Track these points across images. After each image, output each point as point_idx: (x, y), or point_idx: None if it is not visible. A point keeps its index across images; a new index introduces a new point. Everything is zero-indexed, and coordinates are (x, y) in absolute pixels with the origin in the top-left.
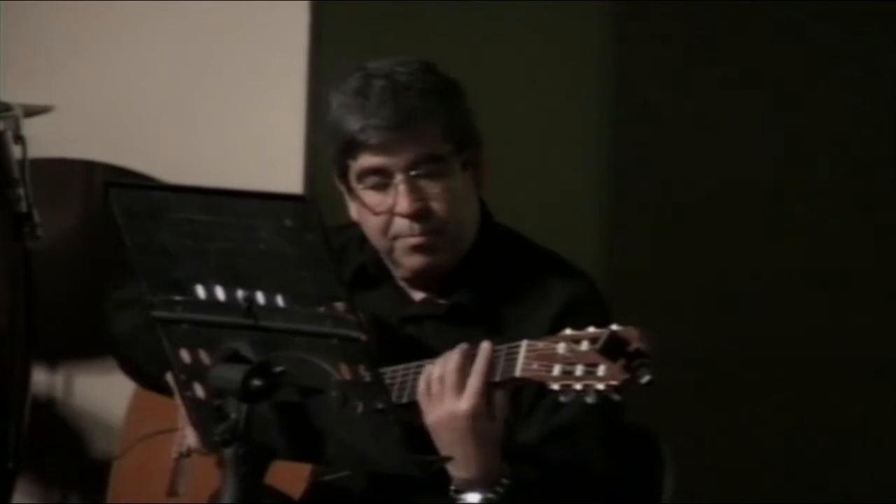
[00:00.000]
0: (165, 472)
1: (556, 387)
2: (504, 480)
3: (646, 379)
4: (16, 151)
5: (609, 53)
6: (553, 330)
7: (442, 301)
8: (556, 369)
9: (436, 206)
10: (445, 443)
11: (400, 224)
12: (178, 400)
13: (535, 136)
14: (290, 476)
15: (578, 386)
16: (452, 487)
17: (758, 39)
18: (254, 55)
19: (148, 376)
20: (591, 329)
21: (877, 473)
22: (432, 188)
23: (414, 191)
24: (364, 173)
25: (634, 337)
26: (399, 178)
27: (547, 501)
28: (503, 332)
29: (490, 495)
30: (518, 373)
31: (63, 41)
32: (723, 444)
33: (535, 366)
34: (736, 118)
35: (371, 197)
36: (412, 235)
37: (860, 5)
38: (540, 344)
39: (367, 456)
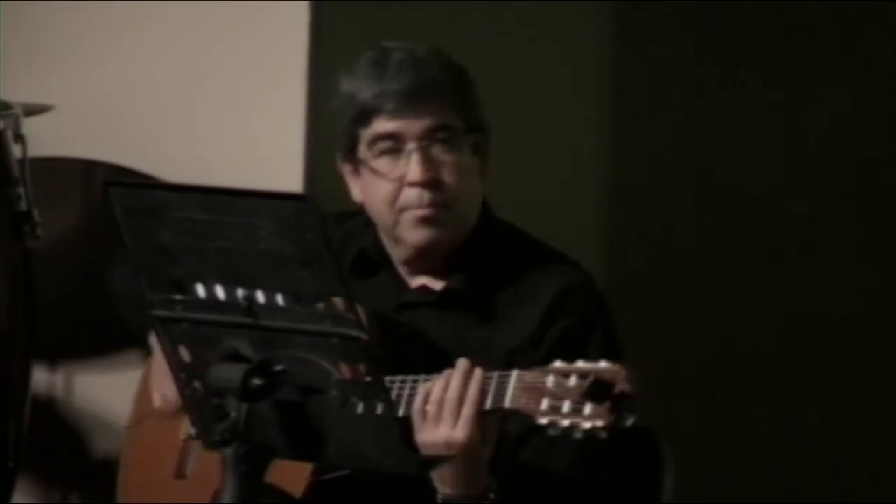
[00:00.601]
0: (174, 449)
1: (544, 421)
2: (490, 495)
3: (629, 422)
4: (15, 150)
5: (609, 53)
6: (545, 319)
7: (438, 288)
8: (545, 403)
9: (446, 177)
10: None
11: (409, 194)
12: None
13: (535, 135)
14: (290, 475)
15: (565, 423)
16: (440, 501)
17: (758, 39)
18: (254, 55)
19: (138, 328)
20: (580, 364)
21: (877, 473)
22: (444, 158)
23: (427, 160)
24: (377, 138)
25: (621, 378)
26: (412, 145)
27: None
28: (496, 319)
29: None
30: (507, 404)
31: (63, 41)
32: (723, 444)
33: (524, 400)
34: (736, 118)
35: (382, 164)
36: (420, 207)
37: (860, 5)
38: (529, 375)
39: (367, 456)
